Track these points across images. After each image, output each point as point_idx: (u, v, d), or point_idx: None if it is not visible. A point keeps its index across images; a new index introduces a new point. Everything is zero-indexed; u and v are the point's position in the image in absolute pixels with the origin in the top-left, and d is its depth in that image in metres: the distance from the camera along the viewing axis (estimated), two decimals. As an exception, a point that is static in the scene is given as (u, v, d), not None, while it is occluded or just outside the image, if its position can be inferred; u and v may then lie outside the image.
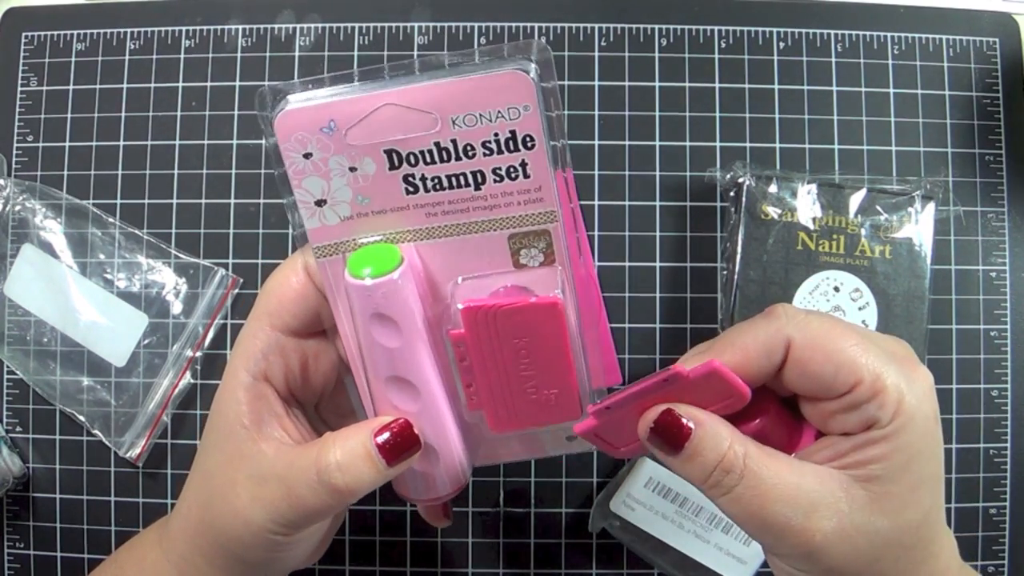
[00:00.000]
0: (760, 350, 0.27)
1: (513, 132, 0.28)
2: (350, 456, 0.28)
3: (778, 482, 0.26)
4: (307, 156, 0.28)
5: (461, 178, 0.28)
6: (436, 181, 0.28)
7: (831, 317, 0.27)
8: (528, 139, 0.28)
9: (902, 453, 0.25)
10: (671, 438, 0.27)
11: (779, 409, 0.29)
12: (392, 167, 0.28)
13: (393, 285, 0.28)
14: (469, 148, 0.28)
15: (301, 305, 0.30)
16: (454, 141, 0.28)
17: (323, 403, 0.34)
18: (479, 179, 0.28)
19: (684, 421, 0.26)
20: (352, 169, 0.28)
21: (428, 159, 0.28)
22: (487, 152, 0.28)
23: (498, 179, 0.28)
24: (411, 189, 0.29)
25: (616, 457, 0.32)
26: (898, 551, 0.26)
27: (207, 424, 0.32)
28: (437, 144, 0.28)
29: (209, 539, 0.31)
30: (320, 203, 0.29)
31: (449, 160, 0.28)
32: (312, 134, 0.28)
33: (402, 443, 0.29)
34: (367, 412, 0.31)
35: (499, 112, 0.27)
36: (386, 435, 0.29)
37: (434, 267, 0.30)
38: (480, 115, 0.28)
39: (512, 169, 0.28)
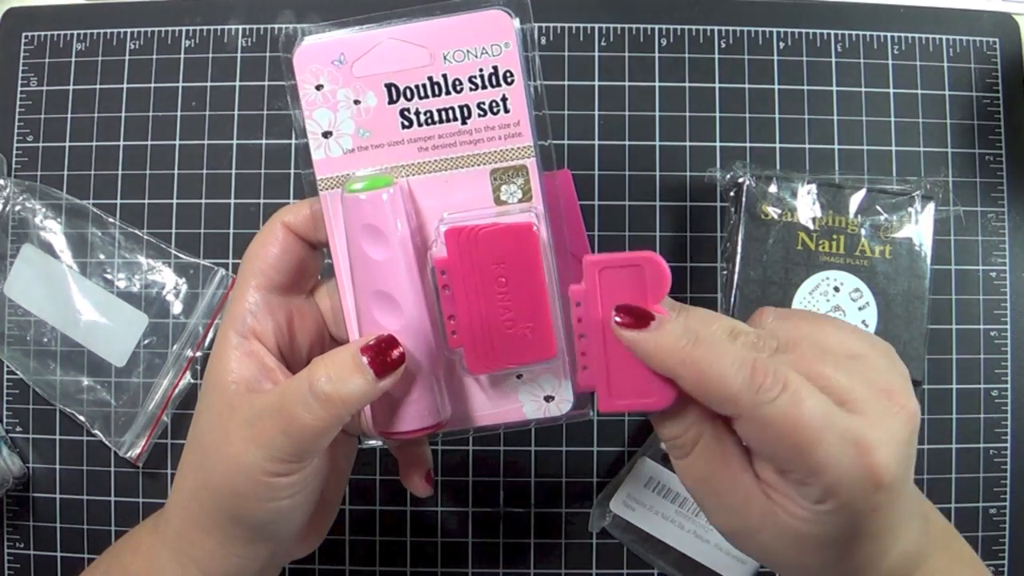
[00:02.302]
0: (723, 385, 0.27)
1: (495, 68, 0.32)
2: (339, 368, 0.29)
3: (735, 352, 0.27)
4: (319, 88, 0.32)
5: (450, 112, 0.32)
6: (428, 115, 0.32)
7: (801, 381, 0.27)
8: (508, 75, 0.32)
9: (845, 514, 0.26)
10: (639, 317, 0.29)
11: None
12: (391, 100, 0.32)
13: (383, 198, 0.31)
14: (458, 83, 0.32)
15: (284, 259, 0.32)
16: (445, 76, 0.32)
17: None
18: (466, 113, 0.32)
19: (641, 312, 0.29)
20: (356, 102, 0.32)
21: (422, 93, 0.32)
22: (473, 87, 0.32)
23: (482, 113, 0.32)
24: (406, 123, 0.32)
25: (661, 408, 0.31)
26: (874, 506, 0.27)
27: (199, 394, 0.32)
28: (430, 78, 0.32)
29: (205, 504, 0.31)
30: (327, 135, 0.32)
31: (440, 94, 0.32)
32: (324, 66, 0.32)
33: (387, 353, 0.30)
34: (351, 336, 0.33)
35: (483, 48, 0.32)
36: (371, 347, 0.30)
37: (423, 204, 0.33)
38: (467, 51, 0.32)
39: (494, 104, 0.32)
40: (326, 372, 0.29)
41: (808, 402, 0.26)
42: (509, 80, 0.32)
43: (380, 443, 0.36)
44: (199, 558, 0.31)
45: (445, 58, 0.32)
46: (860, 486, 0.25)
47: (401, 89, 0.32)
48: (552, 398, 0.34)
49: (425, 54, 0.32)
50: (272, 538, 0.32)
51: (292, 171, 0.47)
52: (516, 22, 0.32)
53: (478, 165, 0.33)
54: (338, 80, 0.32)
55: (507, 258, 0.32)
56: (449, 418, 0.33)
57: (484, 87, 0.32)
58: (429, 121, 0.32)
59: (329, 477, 0.33)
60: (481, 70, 0.32)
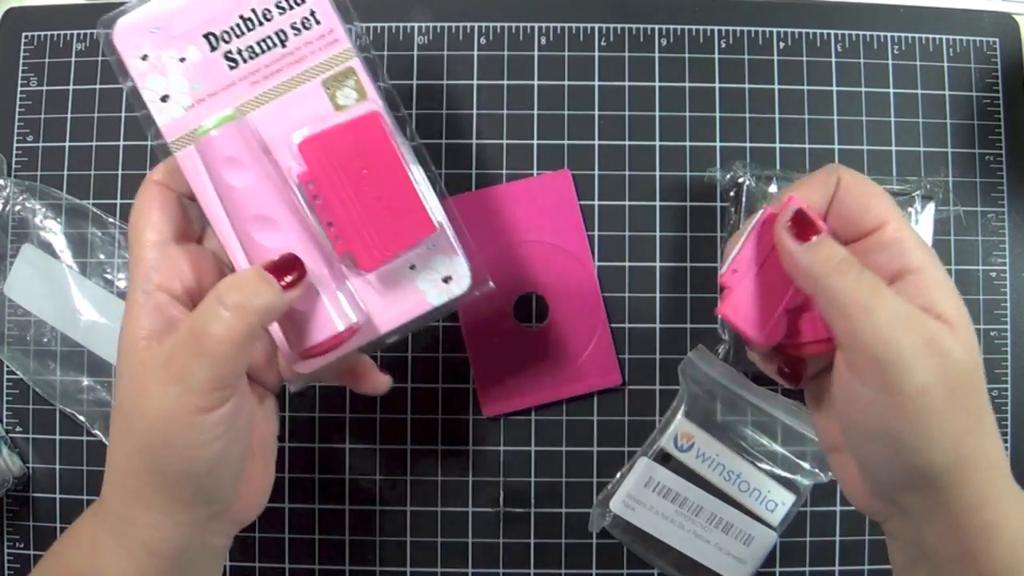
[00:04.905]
0: (819, 185, 0.32)
1: None
2: (246, 282, 0.30)
3: (886, 294, 0.29)
4: (144, 58, 0.34)
5: (268, 41, 0.34)
6: (250, 50, 0.34)
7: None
8: None
9: (943, 292, 0.29)
10: (805, 229, 0.30)
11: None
12: (212, 48, 0.34)
13: (233, 129, 0.33)
14: (267, 12, 0.34)
15: (166, 213, 0.33)
16: (254, 10, 0.34)
17: None
18: (283, 37, 0.34)
19: (814, 218, 0.31)
20: (182, 60, 0.34)
21: (238, 32, 0.34)
22: (281, 11, 0.34)
23: (296, 32, 0.34)
24: (232, 64, 0.34)
25: (754, 347, 0.34)
26: (964, 384, 0.28)
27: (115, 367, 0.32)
28: (241, 16, 0.34)
29: (139, 472, 0.30)
30: (164, 98, 0.34)
31: (254, 28, 0.34)
32: (143, 37, 0.34)
33: (290, 268, 0.31)
34: (238, 268, 0.34)
35: None
36: (274, 264, 0.31)
37: (271, 135, 0.34)
38: None
39: (305, 20, 0.34)
40: (234, 285, 0.30)
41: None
42: None
43: (302, 385, 0.36)
44: (143, 538, 0.30)
45: None
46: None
47: (218, 35, 0.34)
48: (450, 278, 0.35)
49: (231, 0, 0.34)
50: (212, 495, 0.31)
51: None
52: None
53: (309, 80, 0.34)
54: (160, 45, 0.34)
55: (362, 150, 0.33)
56: (359, 321, 0.34)
57: (291, 7, 0.34)
58: (252, 56, 0.34)
59: (256, 428, 0.33)
60: None
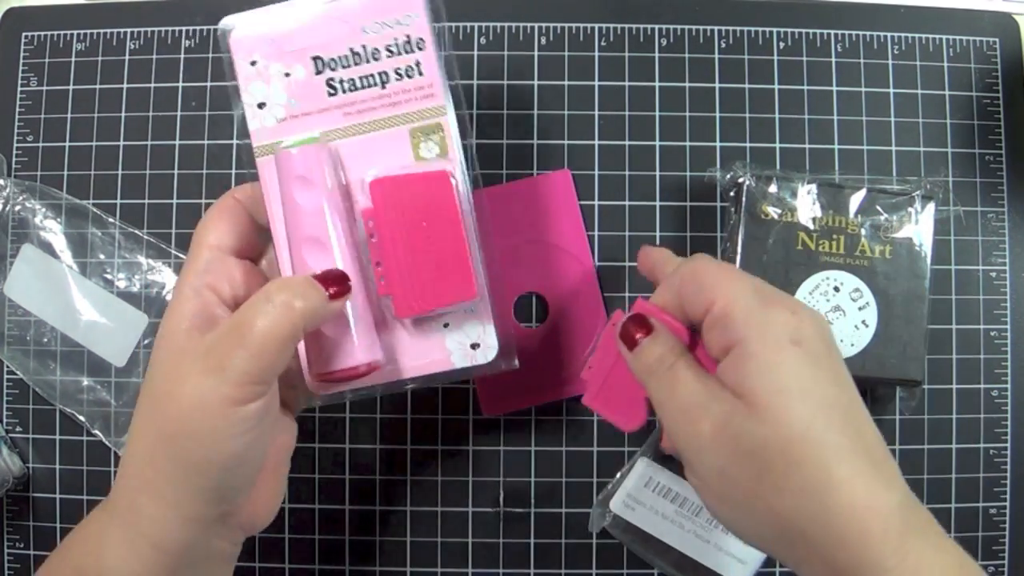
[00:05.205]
0: (667, 285, 0.33)
1: (408, 36, 0.36)
2: (294, 283, 0.31)
3: (688, 382, 0.30)
4: (253, 64, 0.35)
5: (371, 78, 0.36)
6: (351, 83, 0.36)
7: (719, 261, 0.33)
8: (420, 42, 0.36)
9: (757, 366, 0.28)
10: (633, 335, 0.33)
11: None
12: (318, 72, 0.36)
13: (313, 151, 0.34)
14: (376, 52, 0.36)
15: (235, 225, 0.34)
16: (364, 46, 0.36)
17: None
18: (384, 78, 0.36)
19: (637, 333, 0.33)
20: (287, 75, 0.35)
21: (345, 63, 0.36)
22: (389, 54, 0.36)
23: (399, 77, 0.36)
24: (331, 91, 0.36)
25: (625, 429, 0.36)
26: (775, 458, 0.28)
27: (152, 351, 0.32)
28: (351, 49, 0.36)
29: (160, 460, 0.30)
30: (261, 106, 0.35)
31: (360, 64, 0.36)
32: (258, 44, 0.35)
33: (337, 281, 0.32)
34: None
35: (397, 20, 0.36)
36: (322, 275, 0.32)
37: (351, 167, 0.36)
38: (383, 23, 0.36)
39: (409, 68, 0.36)
40: (283, 284, 0.31)
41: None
42: (421, 47, 0.36)
43: (318, 403, 0.37)
44: (149, 531, 0.30)
45: (364, 30, 0.36)
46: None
47: (326, 60, 0.36)
48: (477, 345, 0.36)
49: (347, 28, 0.36)
50: (225, 492, 0.31)
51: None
52: None
53: (398, 125, 0.36)
54: (270, 55, 0.35)
55: (426, 204, 0.35)
56: (382, 360, 0.35)
57: (399, 54, 0.36)
58: (352, 88, 0.36)
59: (275, 438, 0.33)
60: (396, 39, 0.36)
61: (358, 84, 0.36)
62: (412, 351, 0.36)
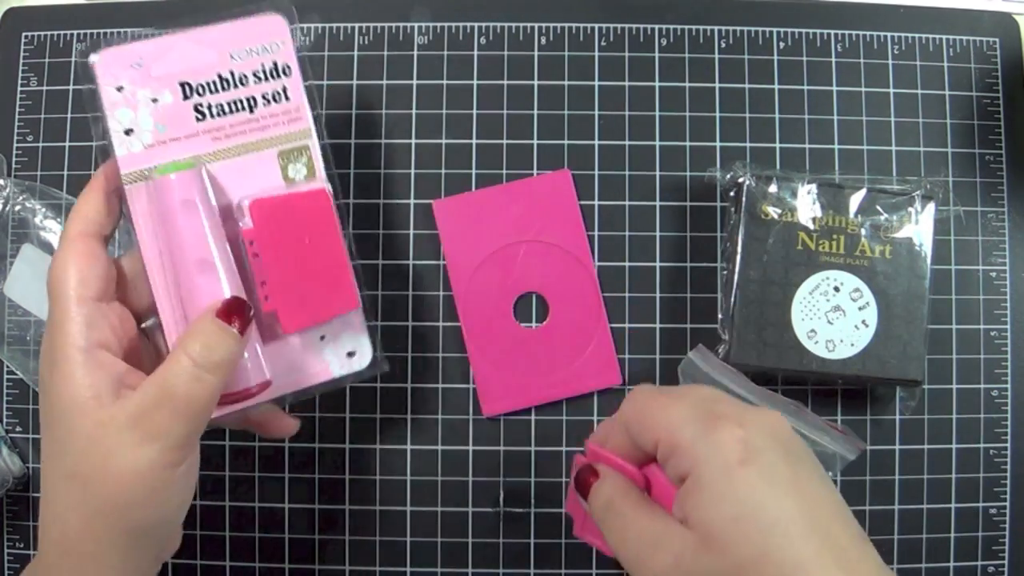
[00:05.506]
0: (616, 429, 0.33)
1: (275, 62, 0.37)
2: (208, 336, 0.31)
3: (637, 522, 0.30)
4: (119, 89, 0.35)
5: (238, 103, 0.36)
6: (220, 108, 0.36)
7: (656, 388, 0.33)
8: (286, 68, 0.37)
9: (707, 496, 0.28)
10: (585, 482, 0.33)
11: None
12: (185, 97, 0.36)
13: (191, 176, 0.34)
14: (244, 78, 0.37)
15: (95, 267, 0.32)
16: (232, 72, 0.36)
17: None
18: (252, 103, 0.37)
19: (589, 479, 0.33)
20: (154, 100, 0.36)
21: (213, 89, 0.36)
22: (257, 80, 0.37)
23: (267, 102, 0.37)
24: (200, 116, 0.36)
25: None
26: None
27: (44, 414, 0.31)
28: (219, 75, 0.36)
29: (99, 535, 0.30)
30: (128, 132, 0.35)
31: (228, 89, 0.36)
32: (124, 70, 0.35)
33: (240, 312, 0.32)
34: (168, 313, 0.35)
35: (264, 46, 0.37)
36: (224, 310, 0.32)
37: (220, 190, 0.36)
38: (250, 49, 0.37)
39: (276, 94, 0.37)
40: (200, 343, 0.31)
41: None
42: (287, 72, 0.37)
43: (216, 427, 0.38)
44: None
45: (232, 56, 0.37)
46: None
47: (194, 86, 0.36)
48: (353, 354, 0.38)
49: (214, 54, 0.36)
50: (167, 543, 0.33)
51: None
52: (285, 22, 0.37)
53: (266, 148, 0.37)
54: (137, 81, 0.35)
55: (306, 221, 0.36)
56: (270, 379, 0.35)
57: (267, 79, 0.37)
58: (220, 113, 0.36)
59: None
60: (263, 65, 0.37)
61: (226, 109, 0.36)
62: (292, 366, 0.37)
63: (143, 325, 0.36)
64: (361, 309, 0.38)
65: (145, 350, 0.35)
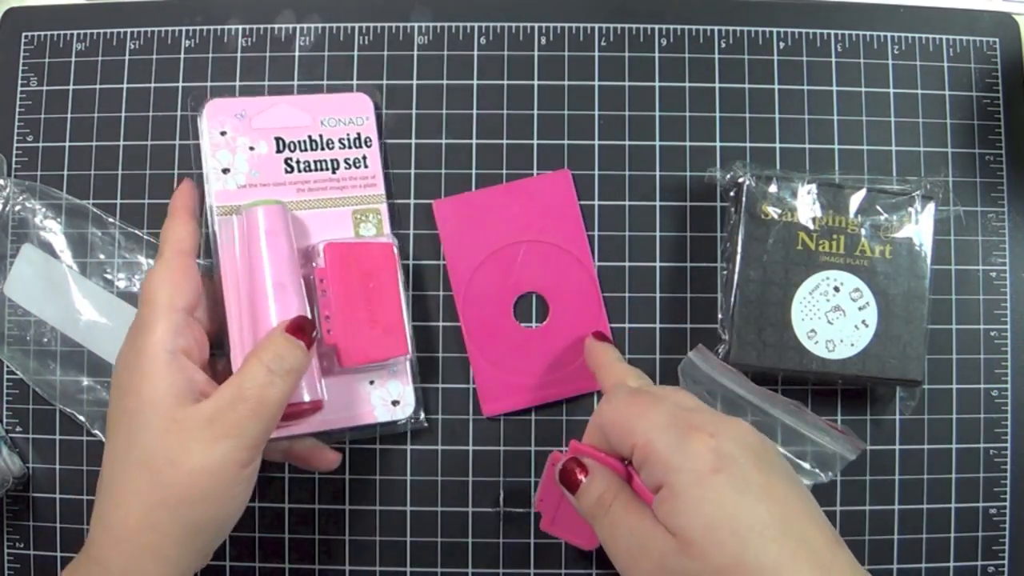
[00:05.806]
0: (594, 431, 0.34)
1: (359, 134, 0.44)
2: (279, 346, 0.34)
3: (627, 520, 0.31)
4: (223, 134, 0.42)
5: (323, 164, 0.43)
6: (307, 164, 0.42)
7: (634, 391, 0.34)
8: (368, 140, 0.44)
9: (682, 504, 0.29)
10: (572, 479, 0.33)
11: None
12: (278, 150, 0.42)
13: (280, 211, 0.39)
14: (330, 142, 0.43)
15: (191, 282, 0.36)
16: (321, 135, 0.43)
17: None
18: (335, 165, 0.43)
19: (577, 474, 0.33)
20: (251, 148, 0.42)
21: (303, 147, 0.43)
22: (342, 146, 0.43)
23: (347, 167, 0.43)
24: (288, 169, 0.42)
25: (585, 548, 0.40)
26: None
27: (117, 414, 0.33)
28: (310, 136, 0.43)
29: (162, 525, 0.31)
30: (225, 171, 0.41)
31: (316, 149, 0.43)
32: (228, 117, 0.42)
33: (306, 324, 0.36)
34: (238, 334, 0.38)
35: (351, 118, 0.44)
36: (292, 325, 0.35)
37: (299, 235, 0.41)
38: (339, 119, 0.44)
39: (357, 160, 0.43)
40: (272, 352, 0.33)
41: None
42: (368, 144, 0.44)
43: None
44: None
45: (322, 122, 0.43)
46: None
47: (287, 142, 0.42)
48: (397, 403, 0.42)
49: (308, 117, 0.43)
50: (215, 542, 0.34)
51: (292, 171, 0.47)
52: (372, 103, 0.44)
53: (343, 207, 0.43)
54: (238, 129, 0.42)
55: (371, 269, 0.40)
56: (324, 400, 0.38)
57: (350, 147, 0.43)
58: (307, 169, 0.42)
59: None
60: (348, 134, 0.43)
61: (312, 166, 0.42)
62: (340, 403, 0.41)
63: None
64: (410, 362, 0.42)
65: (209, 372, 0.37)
